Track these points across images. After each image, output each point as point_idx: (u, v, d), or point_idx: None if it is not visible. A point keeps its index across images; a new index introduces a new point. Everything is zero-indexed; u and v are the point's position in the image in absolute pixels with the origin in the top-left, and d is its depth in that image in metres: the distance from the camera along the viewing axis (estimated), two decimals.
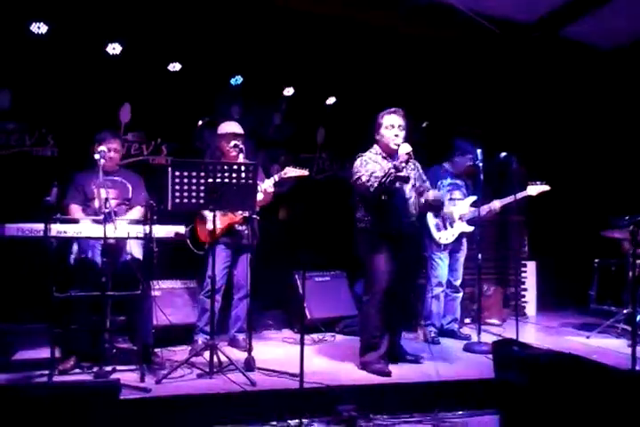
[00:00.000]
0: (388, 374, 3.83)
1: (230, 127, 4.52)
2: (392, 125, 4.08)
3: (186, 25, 5.05)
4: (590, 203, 6.51)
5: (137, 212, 4.09)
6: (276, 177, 4.43)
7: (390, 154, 4.11)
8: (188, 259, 4.38)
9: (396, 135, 4.05)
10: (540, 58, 6.00)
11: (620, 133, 6.48)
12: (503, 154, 4.71)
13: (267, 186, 4.40)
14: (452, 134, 5.30)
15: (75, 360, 3.77)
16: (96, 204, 3.94)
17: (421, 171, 4.30)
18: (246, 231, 4.43)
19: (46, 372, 3.46)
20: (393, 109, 4.13)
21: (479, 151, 4.67)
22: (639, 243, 4.22)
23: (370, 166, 4.03)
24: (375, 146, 4.19)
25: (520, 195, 4.92)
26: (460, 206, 5.04)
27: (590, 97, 6.47)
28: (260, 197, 4.37)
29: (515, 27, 5.70)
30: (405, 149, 3.89)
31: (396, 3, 5.15)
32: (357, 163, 4.10)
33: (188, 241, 4.15)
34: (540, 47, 5.90)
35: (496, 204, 4.98)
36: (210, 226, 4.01)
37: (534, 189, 4.98)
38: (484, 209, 4.95)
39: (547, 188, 4.99)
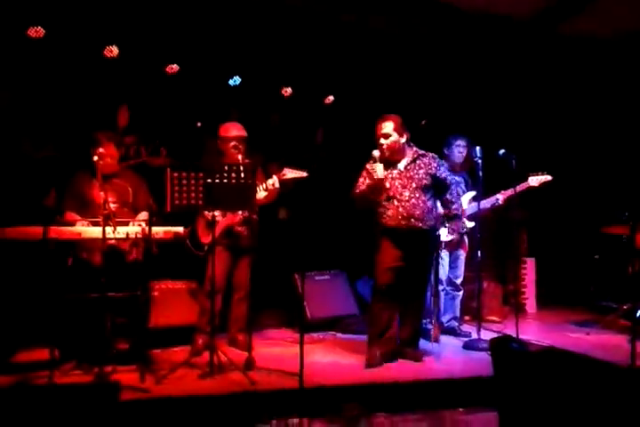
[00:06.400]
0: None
1: (231, 128, 4.51)
2: (380, 135, 4.14)
3: (183, 26, 5.06)
4: (589, 199, 6.50)
5: (143, 217, 4.03)
6: (276, 178, 4.40)
7: (387, 161, 4.12)
8: (189, 260, 4.38)
9: (381, 144, 4.11)
10: (537, 53, 5.99)
11: (619, 129, 6.46)
12: (502, 151, 4.70)
13: (270, 183, 4.39)
14: (445, 131, 5.30)
15: (74, 361, 3.78)
16: (94, 207, 3.94)
17: (433, 170, 4.17)
18: (245, 232, 4.45)
19: (46, 373, 3.47)
20: (381, 117, 4.17)
21: (478, 148, 4.67)
22: None
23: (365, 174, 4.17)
24: None
25: (521, 186, 4.89)
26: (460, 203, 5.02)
27: (589, 92, 6.46)
28: (262, 195, 4.39)
29: (512, 23, 5.69)
30: (373, 154, 4.03)
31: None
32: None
33: (188, 242, 4.16)
34: (538, 43, 5.89)
35: (499, 197, 4.97)
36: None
37: (536, 180, 4.93)
38: (489, 201, 4.94)
39: (549, 177, 4.92)
